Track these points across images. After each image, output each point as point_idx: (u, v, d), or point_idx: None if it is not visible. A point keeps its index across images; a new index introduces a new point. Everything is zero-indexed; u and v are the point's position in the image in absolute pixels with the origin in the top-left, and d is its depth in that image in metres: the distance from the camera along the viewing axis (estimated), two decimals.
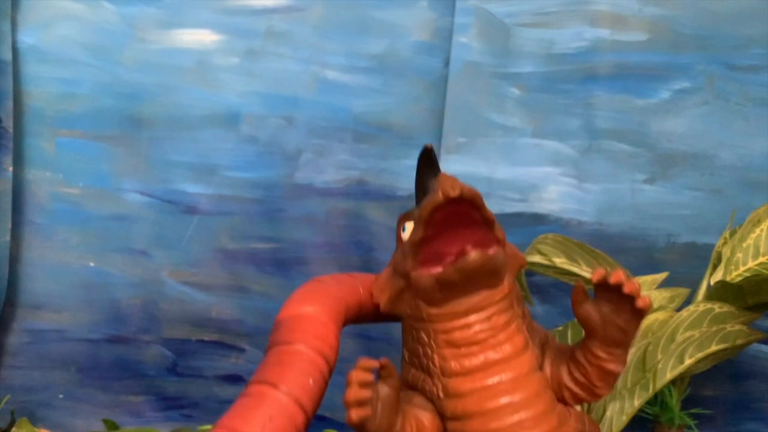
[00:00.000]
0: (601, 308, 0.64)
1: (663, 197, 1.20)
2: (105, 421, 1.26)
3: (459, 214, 0.62)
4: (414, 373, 0.68)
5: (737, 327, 0.96)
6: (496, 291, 0.64)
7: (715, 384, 1.15)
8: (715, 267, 1.01)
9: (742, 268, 0.98)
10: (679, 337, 0.95)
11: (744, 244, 0.99)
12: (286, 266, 1.29)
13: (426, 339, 0.65)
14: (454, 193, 0.60)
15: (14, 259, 1.27)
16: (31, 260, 1.29)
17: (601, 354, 0.65)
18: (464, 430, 0.64)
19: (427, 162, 0.72)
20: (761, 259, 0.98)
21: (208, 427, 1.27)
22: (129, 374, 1.31)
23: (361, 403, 0.58)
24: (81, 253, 1.29)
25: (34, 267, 1.29)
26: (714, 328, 0.95)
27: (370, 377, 0.59)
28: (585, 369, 0.66)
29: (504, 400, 0.62)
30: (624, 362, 0.67)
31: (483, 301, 0.63)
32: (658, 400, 1.00)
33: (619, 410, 0.95)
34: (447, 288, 0.63)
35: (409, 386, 0.68)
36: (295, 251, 1.28)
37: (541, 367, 0.67)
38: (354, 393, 0.58)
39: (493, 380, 0.63)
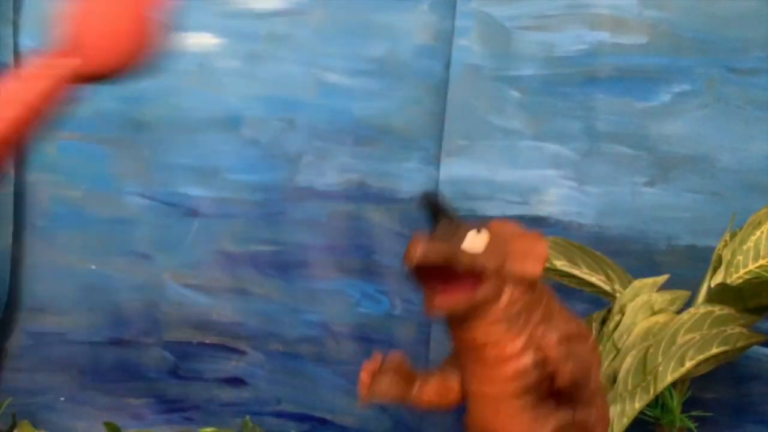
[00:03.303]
0: None
1: (663, 200, 1.20)
2: (106, 424, 1.26)
3: (432, 270, 0.75)
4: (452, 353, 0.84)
5: (737, 329, 0.96)
6: (491, 310, 0.77)
7: (716, 386, 1.15)
8: (715, 269, 1.01)
9: (742, 271, 0.98)
10: (680, 340, 0.96)
11: (744, 247, 0.99)
12: (286, 269, 1.29)
13: (452, 341, 0.82)
14: (411, 263, 0.74)
15: (16, 262, 1.28)
16: (33, 263, 1.29)
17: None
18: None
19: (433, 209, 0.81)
20: (761, 262, 0.98)
21: (209, 429, 1.27)
22: (130, 377, 1.32)
23: (366, 384, 0.82)
24: (82, 256, 1.29)
25: (35, 270, 1.29)
26: (714, 331, 0.95)
27: (374, 366, 0.82)
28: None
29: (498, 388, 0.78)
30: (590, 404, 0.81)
31: (479, 319, 0.78)
32: (658, 402, 1.00)
33: (620, 413, 0.95)
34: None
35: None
36: (296, 254, 1.28)
37: (542, 365, 0.79)
38: (362, 376, 0.82)
39: (488, 374, 0.79)
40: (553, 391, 0.79)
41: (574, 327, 0.81)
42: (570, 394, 0.79)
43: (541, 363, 0.78)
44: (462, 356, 0.81)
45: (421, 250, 0.73)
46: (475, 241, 0.76)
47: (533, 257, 0.78)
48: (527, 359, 0.78)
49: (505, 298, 0.77)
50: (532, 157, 1.23)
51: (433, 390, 0.83)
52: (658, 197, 1.20)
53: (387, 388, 0.82)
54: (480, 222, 0.78)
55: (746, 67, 1.18)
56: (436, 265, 0.74)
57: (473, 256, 0.75)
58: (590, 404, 0.80)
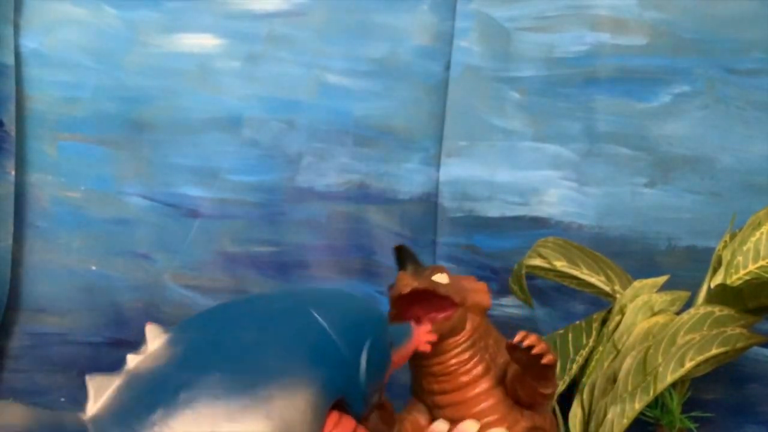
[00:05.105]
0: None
1: (663, 200, 1.20)
2: None
3: (416, 297, 0.85)
4: (416, 390, 0.92)
5: (737, 330, 0.96)
6: (459, 336, 0.87)
7: (716, 387, 1.15)
8: (715, 270, 1.01)
9: (742, 272, 0.98)
10: (680, 341, 0.96)
11: (744, 248, 0.99)
12: (287, 269, 1.29)
13: (417, 372, 0.90)
14: (400, 291, 0.84)
15: (16, 262, 1.28)
16: (33, 264, 1.29)
17: (533, 383, 0.85)
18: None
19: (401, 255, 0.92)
20: (761, 263, 0.98)
21: None
22: None
23: None
24: (83, 256, 1.29)
25: (36, 270, 1.29)
26: (714, 332, 0.95)
27: None
28: (527, 388, 0.86)
29: (475, 409, 0.87)
30: (554, 385, 0.87)
31: (449, 345, 0.87)
32: (658, 403, 1.01)
33: (619, 413, 0.95)
34: None
35: (417, 399, 0.92)
36: (296, 254, 1.28)
37: (502, 383, 0.88)
38: None
39: (462, 396, 0.88)
40: (516, 399, 0.88)
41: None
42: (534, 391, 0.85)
43: (503, 377, 0.87)
44: (427, 391, 0.89)
45: (408, 280, 0.85)
46: (440, 279, 0.88)
47: (483, 292, 0.90)
48: (492, 379, 0.88)
49: (469, 325, 0.88)
50: (532, 157, 1.23)
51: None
52: (658, 198, 1.20)
53: (373, 426, 0.85)
54: (437, 266, 0.89)
55: (746, 68, 1.18)
56: (417, 296, 0.85)
57: (446, 285, 0.87)
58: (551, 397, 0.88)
